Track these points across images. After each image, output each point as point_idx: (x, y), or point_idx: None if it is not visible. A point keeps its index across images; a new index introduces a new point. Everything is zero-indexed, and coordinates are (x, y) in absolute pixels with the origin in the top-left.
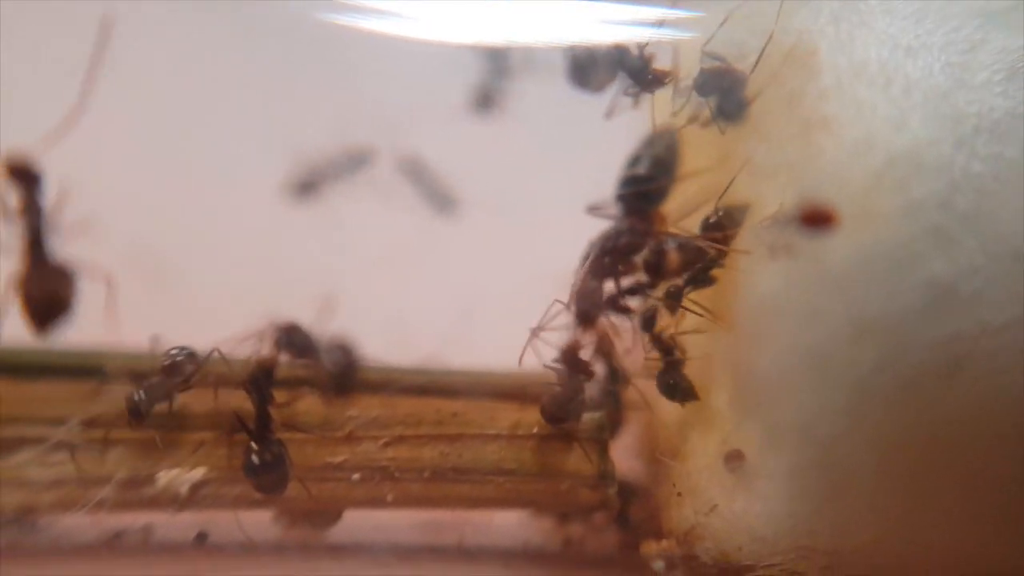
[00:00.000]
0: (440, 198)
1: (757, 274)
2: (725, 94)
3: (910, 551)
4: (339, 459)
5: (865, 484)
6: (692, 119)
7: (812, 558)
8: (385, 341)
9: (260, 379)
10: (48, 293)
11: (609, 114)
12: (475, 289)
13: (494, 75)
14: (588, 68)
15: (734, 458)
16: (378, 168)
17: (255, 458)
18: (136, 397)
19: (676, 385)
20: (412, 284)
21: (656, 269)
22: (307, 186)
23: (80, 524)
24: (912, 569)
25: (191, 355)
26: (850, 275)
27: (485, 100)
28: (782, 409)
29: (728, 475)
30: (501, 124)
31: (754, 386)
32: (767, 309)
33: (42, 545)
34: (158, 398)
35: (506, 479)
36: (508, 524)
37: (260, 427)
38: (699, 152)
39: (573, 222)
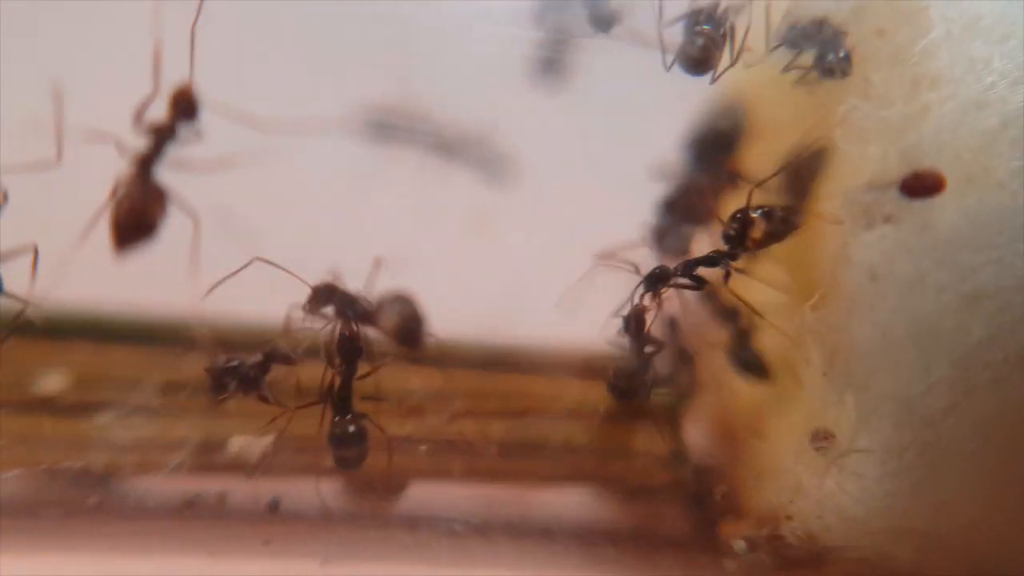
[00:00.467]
0: (500, 167)
1: (854, 242)
2: (824, 47)
3: (1008, 534)
4: (406, 431)
5: (967, 463)
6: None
7: (906, 539)
8: (449, 313)
9: (348, 351)
10: (140, 211)
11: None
12: (536, 261)
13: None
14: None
15: (822, 437)
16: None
17: (338, 430)
18: (223, 376)
19: (748, 361)
20: (476, 255)
21: (738, 239)
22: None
23: (158, 487)
24: (1009, 552)
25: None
26: (958, 241)
27: (550, 66)
28: (881, 383)
29: (815, 454)
30: (563, 92)
31: (850, 360)
32: (866, 278)
33: (123, 507)
34: (248, 382)
35: (574, 456)
36: (577, 501)
37: (344, 399)
38: (793, 111)
39: (637, 192)
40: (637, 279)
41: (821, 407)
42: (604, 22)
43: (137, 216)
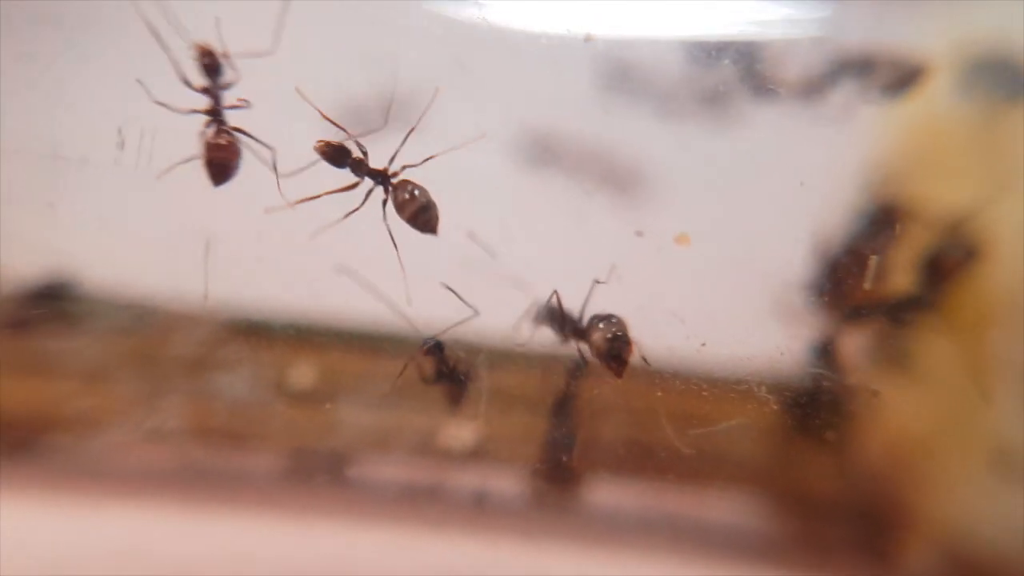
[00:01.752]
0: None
1: None
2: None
3: None
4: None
5: None
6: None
7: None
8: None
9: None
10: (223, 153)
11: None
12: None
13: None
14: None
15: (1004, 458)
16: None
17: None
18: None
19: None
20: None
21: (932, 280)
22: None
23: (377, 474)
24: None
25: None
26: None
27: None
28: None
29: (994, 473)
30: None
31: None
32: None
33: (345, 490)
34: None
35: (748, 466)
36: (748, 509)
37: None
38: (968, 152)
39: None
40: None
41: (1002, 426)
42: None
43: (221, 157)
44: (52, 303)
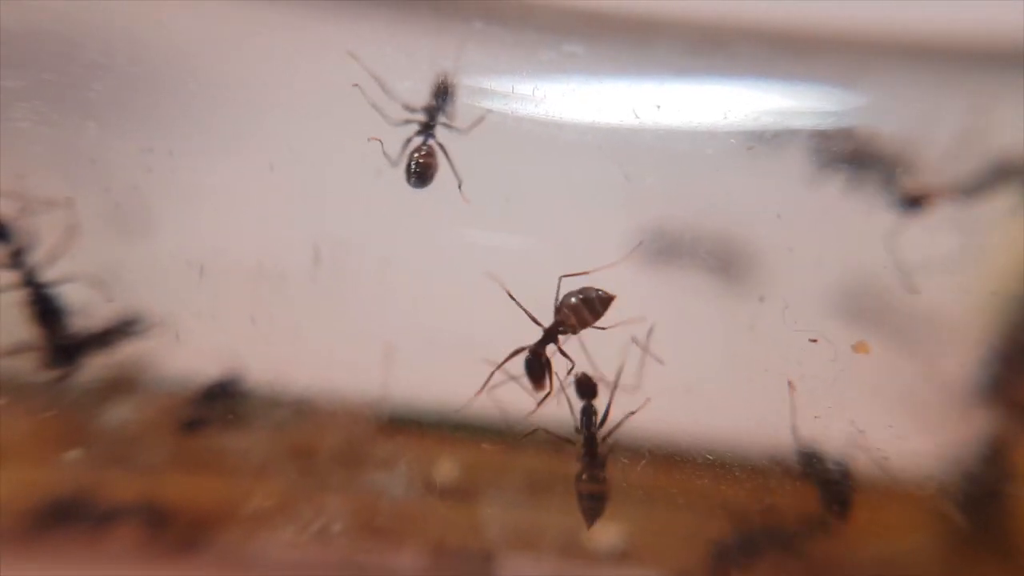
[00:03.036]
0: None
1: None
2: None
3: None
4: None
5: None
6: None
7: None
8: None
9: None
10: (426, 161)
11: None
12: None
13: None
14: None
15: None
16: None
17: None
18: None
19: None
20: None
21: None
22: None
23: (522, 570)
24: None
25: None
26: None
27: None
28: None
29: None
30: None
31: None
32: None
33: None
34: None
35: None
36: None
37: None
38: None
39: None
40: None
41: None
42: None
43: (424, 164)
44: (223, 402)
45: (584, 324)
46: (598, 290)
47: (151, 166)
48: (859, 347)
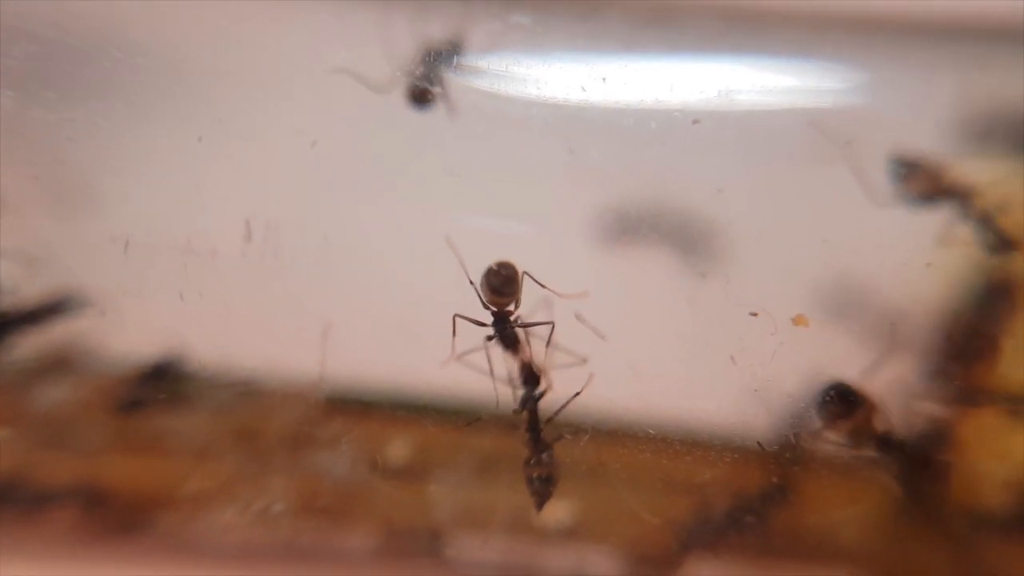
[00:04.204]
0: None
1: None
2: None
3: None
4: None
5: None
6: None
7: None
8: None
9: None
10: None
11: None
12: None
13: None
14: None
15: None
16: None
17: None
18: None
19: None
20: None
21: None
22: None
23: (472, 552)
24: None
25: None
26: None
27: None
28: None
29: None
30: None
31: None
32: None
33: (440, 570)
34: None
35: (857, 546)
36: None
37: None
38: None
39: None
40: None
41: None
42: None
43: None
44: (162, 383)
45: (503, 302)
46: (500, 266)
47: (73, 137)
48: (798, 320)
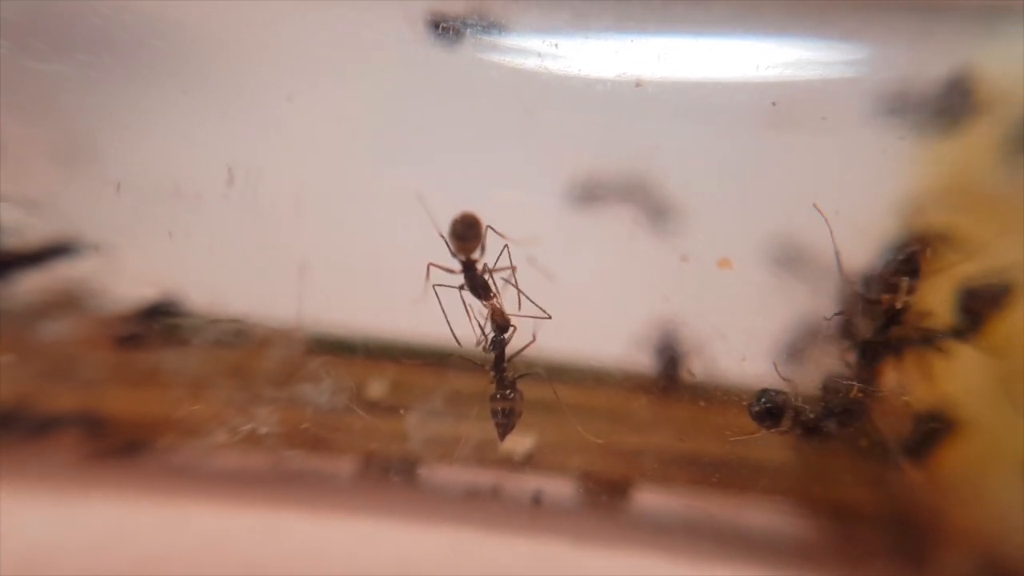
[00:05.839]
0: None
1: None
2: None
3: None
4: (638, 446)
5: None
6: None
7: None
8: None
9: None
10: None
11: None
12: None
13: None
14: None
15: None
16: None
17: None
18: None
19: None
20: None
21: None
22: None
23: (443, 477)
24: None
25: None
26: None
27: None
28: None
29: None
30: None
31: None
32: None
33: (414, 492)
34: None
35: (782, 473)
36: (783, 518)
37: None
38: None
39: None
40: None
41: None
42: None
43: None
44: (160, 320)
45: (468, 247)
46: (462, 215)
47: (67, 89)
48: (722, 263)
